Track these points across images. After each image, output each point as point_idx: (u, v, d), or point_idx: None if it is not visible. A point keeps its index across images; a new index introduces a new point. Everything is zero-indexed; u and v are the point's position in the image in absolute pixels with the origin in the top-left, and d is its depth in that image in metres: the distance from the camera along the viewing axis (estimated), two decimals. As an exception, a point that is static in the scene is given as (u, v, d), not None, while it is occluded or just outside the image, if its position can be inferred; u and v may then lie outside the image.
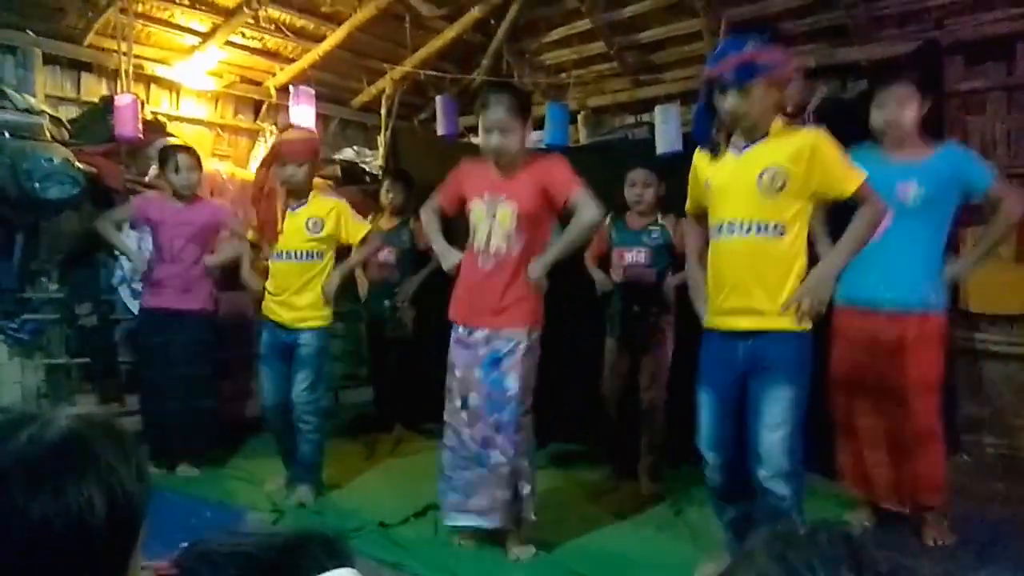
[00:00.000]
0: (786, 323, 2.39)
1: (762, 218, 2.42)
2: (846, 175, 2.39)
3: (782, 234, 2.41)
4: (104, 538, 0.80)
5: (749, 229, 2.43)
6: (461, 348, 3.03)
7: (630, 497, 3.76)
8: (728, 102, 2.42)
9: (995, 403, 4.50)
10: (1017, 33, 4.40)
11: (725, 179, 2.51)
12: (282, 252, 3.68)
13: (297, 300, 3.68)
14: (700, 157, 2.64)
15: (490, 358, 2.94)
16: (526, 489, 2.97)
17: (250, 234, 3.93)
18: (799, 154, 2.38)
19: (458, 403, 3.02)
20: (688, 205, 2.76)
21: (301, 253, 3.67)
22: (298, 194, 3.67)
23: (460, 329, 3.04)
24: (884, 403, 3.05)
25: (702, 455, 2.58)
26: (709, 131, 2.54)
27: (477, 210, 2.99)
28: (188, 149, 4.24)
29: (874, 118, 3.10)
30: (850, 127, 3.13)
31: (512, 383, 2.90)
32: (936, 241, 3.05)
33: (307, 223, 3.66)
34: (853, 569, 0.52)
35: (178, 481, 3.94)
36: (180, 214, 4.13)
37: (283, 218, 3.65)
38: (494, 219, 2.94)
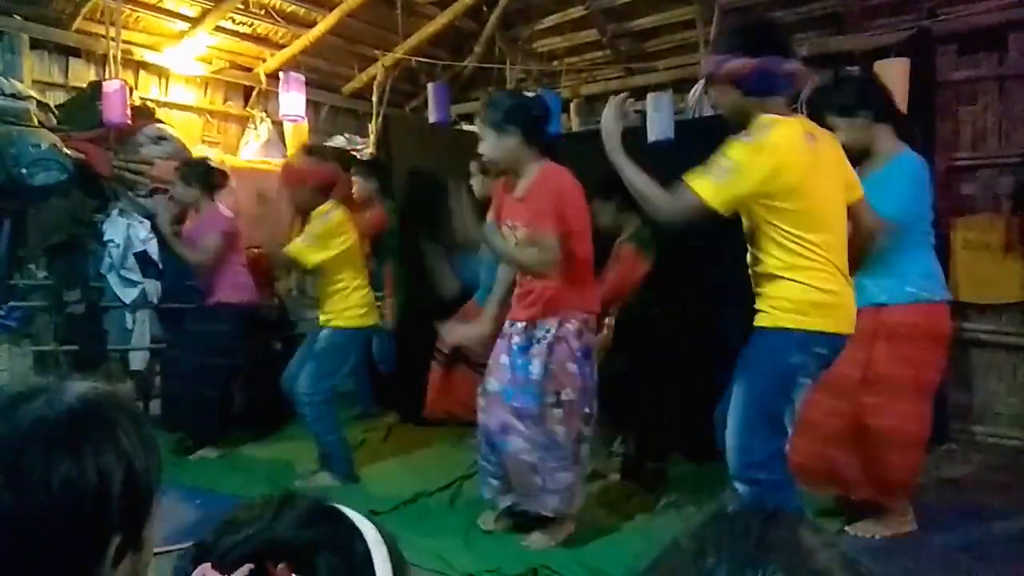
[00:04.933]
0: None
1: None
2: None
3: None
4: (121, 506, 0.81)
5: None
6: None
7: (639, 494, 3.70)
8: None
9: (982, 391, 4.54)
10: (1009, 23, 4.41)
11: None
12: None
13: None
14: None
15: (520, 347, 2.99)
16: (549, 483, 2.94)
17: None
18: None
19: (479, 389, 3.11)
20: None
21: None
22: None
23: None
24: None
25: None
26: None
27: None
28: (181, 166, 4.48)
29: None
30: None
31: (536, 369, 2.95)
32: None
33: None
34: (763, 547, 0.51)
35: (167, 469, 3.93)
36: (192, 225, 4.45)
37: None
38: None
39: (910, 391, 2.89)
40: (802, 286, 2.26)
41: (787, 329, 2.27)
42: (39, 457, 0.78)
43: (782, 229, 2.26)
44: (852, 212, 2.41)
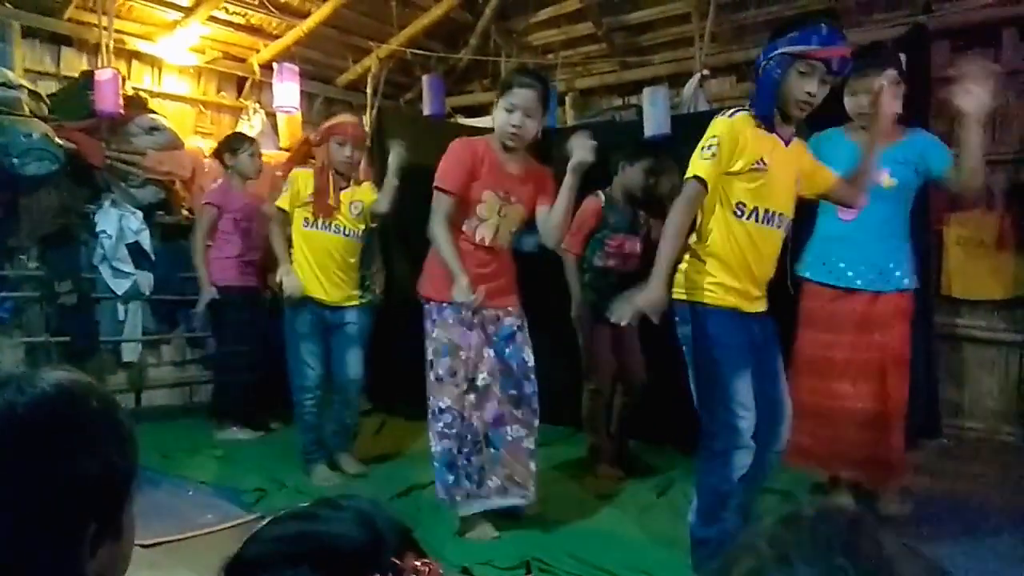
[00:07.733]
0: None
1: (791, 215, 2.58)
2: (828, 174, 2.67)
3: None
4: (94, 494, 0.81)
5: (782, 224, 2.54)
6: (465, 329, 3.00)
7: (612, 479, 3.77)
8: (816, 87, 2.41)
9: (975, 388, 4.55)
10: (1004, 19, 4.42)
11: (778, 166, 2.48)
12: (333, 226, 3.79)
13: (345, 277, 3.83)
14: (750, 126, 2.45)
15: (504, 334, 3.06)
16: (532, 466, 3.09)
17: (282, 201, 3.80)
18: (806, 159, 2.62)
19: (464, 386, 3.01)
20: (712, 171, 2.41)
21: (351, 231, 3.84)
22: (347, 176, 3.85)
23: (462, 312, 2.98)
24: (860, 382, 3.08)
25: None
26: (772, 106, 2.46)
27: (489, 203, 3.02)
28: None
29: (849, 105, 3.12)
30: (836, 111, 3.15)
31: (529, 356, 3.08)
32: (906, 222, 3.17)
33: (351, 205, 3.82)
34: (849, 555, 0.50)
35: (158, 460, 3.92)
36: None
37: (336, 194, 3.77)
38: (503, 217, 3.04)
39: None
40: None
41: None
42: (8, 446, 0.77)
43: None
44: None
